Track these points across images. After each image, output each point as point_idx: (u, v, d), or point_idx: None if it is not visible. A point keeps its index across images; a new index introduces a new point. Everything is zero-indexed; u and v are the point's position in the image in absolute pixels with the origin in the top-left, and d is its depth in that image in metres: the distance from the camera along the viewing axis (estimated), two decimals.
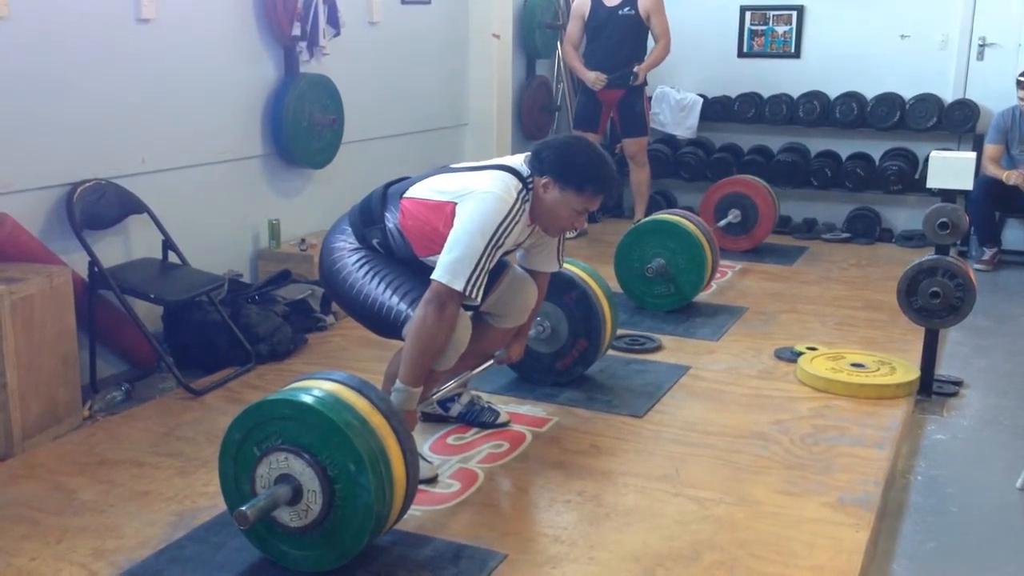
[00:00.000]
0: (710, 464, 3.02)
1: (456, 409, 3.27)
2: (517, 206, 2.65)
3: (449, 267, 2.57)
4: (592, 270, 3.59)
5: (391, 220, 2.79)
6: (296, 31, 4.49)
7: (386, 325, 2.77)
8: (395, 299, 2.73)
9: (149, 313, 3.73)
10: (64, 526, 2.59)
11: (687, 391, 3.64)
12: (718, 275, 5.13)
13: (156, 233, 3.82)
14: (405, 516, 2.63)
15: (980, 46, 6.35)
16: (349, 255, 2.82)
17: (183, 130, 4.06)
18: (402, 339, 2.70)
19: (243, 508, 2.22)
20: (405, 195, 2.78)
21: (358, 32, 5.04)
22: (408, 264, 2.79)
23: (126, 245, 3.83)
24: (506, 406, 3.38)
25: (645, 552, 2.49)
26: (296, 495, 2.28)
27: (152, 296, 3.56)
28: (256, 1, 4.39)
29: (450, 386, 3.02)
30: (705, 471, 2.96)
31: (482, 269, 2.59)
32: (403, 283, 2.74)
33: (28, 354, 3.04)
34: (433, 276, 2.59)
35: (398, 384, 2.64)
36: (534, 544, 2.53)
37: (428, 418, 3.27)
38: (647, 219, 4.92)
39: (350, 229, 2.86)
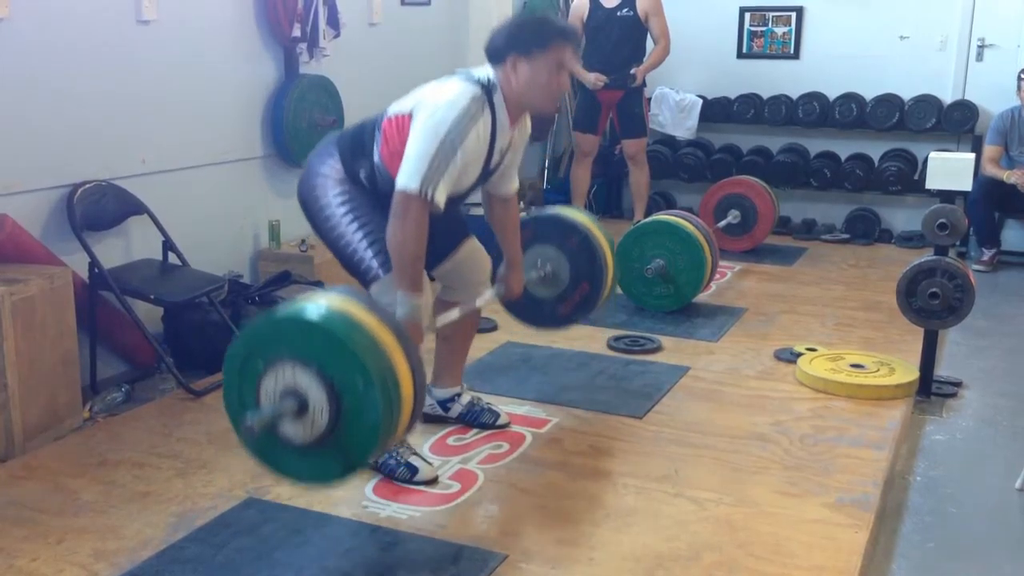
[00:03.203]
0: (710, 465, 3.02)
1: (456, 409, 3.28)
2: (472, 107, 2.63)
3: (404, 172, 2.59)
4: (595, 220, 3.53)
5: (377, 153, 2.77)
6: (296, 32, 4.50)
7: (356, 273, 2.80)
8: (369, 253, 2.73)
9: (149, 314, 3.74)
10: (65, 527, 2.59)
11: (687, 392, 3.64)
12: (717, 276, 5.14)
13: (156, 234, 3.82)
14: (404, 517, 2.64)
15: (979, 47, 6.36)
16: (332, 187, 2.80)
17: (183, 131, 4.07)
18: (369, 292, 2.72)
19: (248, 422, 2.19)
20: (387, 116, 2.78)
21: (358, 33, 5.05)
22: (386, 207, 2.76)
23: (126, 246, 3.84)
24: (506, 407, 3.38)
25: (645, 553, 2.49)
26: (302, 409, 2.22)
27: (152, 297, 3.57)
28: (256, 2, 4.40)
29: (452, 316, 2.98)
30: (705, 472, 2.97)
31: (438, 170, 2.57)
32: (380, 236, 2.71)
33: (28, 355, 3.05)
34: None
35: (398, 294, 2.63)
36: (534, 545, 2.53)
37: (428, 419, 3.27)
38: (647, 220, 4.92)
39: (338, 155, 2.83)
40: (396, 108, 2.76)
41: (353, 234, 2.76)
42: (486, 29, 6.36)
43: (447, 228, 3.00)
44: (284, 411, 2.22)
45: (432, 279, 2.92)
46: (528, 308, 3.42)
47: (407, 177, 2.58)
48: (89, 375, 3.56)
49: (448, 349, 3.21)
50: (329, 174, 2.83)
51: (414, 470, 2.82)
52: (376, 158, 2.77)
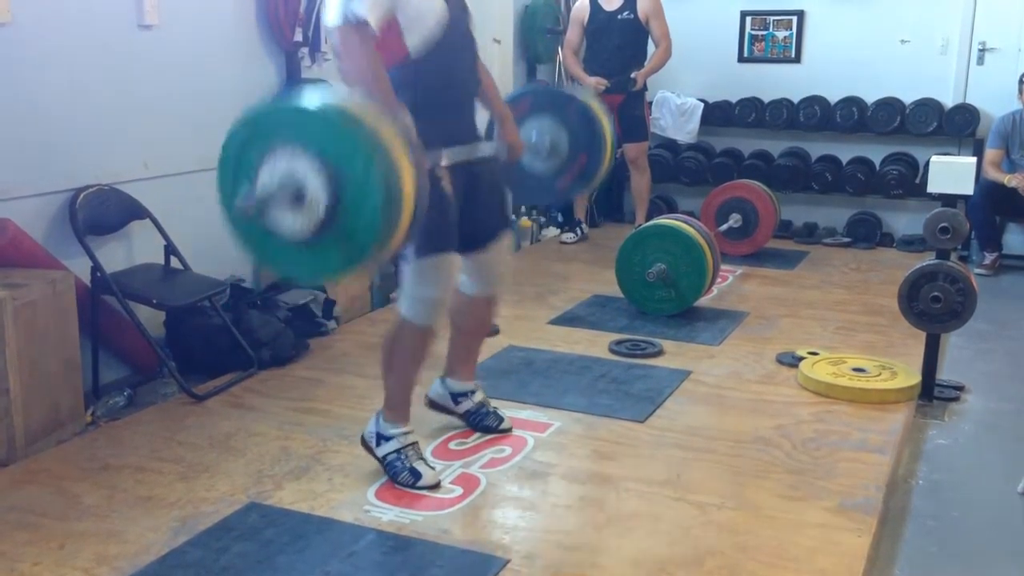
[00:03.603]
0: (712, 469, 3.02)
1: (465, 405, 3.26)
2: None
3: (326, 13, 2.58)
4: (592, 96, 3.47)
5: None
6: (298, 36, 4.50)
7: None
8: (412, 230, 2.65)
9: (151, 318, 3.73)
10: (67, 531, 2.59)
11: (688, 396, 3.64)
12: (719, 279, 5.13)
13: (158, 238, 3.82)
14: (406, 522, 2.64)
15: (980, 51, 6.36)
16: None
17: (185, 135, 4.07)
18: (390, 300, 2.71)
19: (241, 201, 2.16)
20: None
21: None
22: (435, 186, 2.69)
23: (128, 250, 3.84)
24: (507, 411, 3.37)
25: (647, 557, 2.49)
26: (299, 196, 2.17)
27: (154, 301, 3.57)
28: (258, 7, 4.40)
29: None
30: (707, 476, 2.97)
31: None
32: (424, 216, 2.58)
33: (31, 359, 3.05)
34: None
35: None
36: (536, 550, 2.53)
37: (436, 407, 3.26)
38: (648, 224, 4.93)
39: None
40: None
41: None
42: (487, 33, 6.37)
43: (494, 210, 2.98)
44: (281, 195, 2.16)
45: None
46: (526, 185, 3.35)
47: (329, 16, 2.56)
48: (91, 379, 3.56)
49: (462, 342, 3.19)
50: None
51: (417, 475, 2.82)
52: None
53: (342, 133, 2.16)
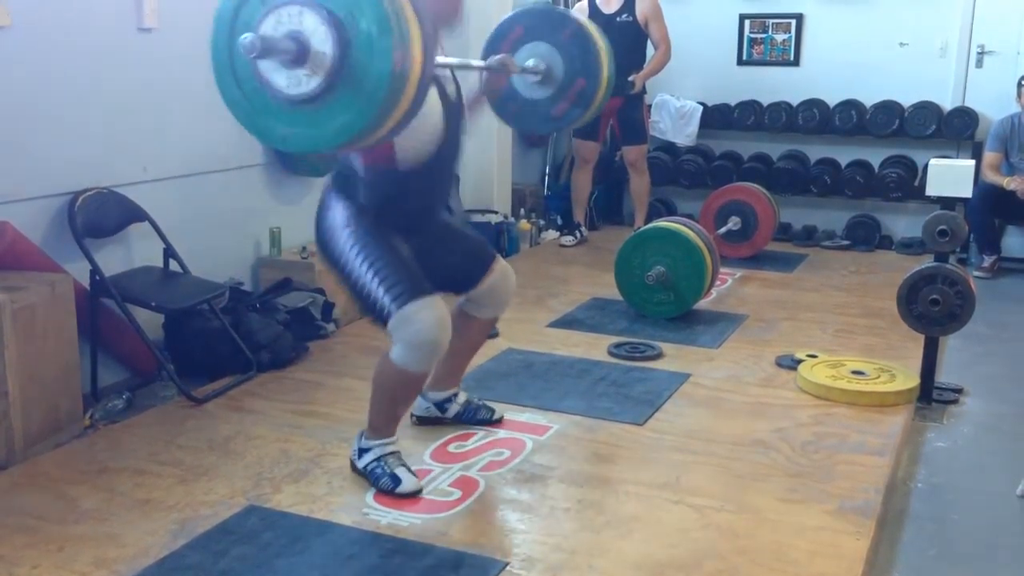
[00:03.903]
0: (711, 472, 3.02)
1: (453, 410, 3.29)
2: None
3: None
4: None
5: (358, 165, 2.75)
6: None
7: (372, 312, 2.75)
8: (381, 291, 2.69)
9: (150, 321, 3.73)
10: (65, 535, 2.58)
11: (687, 399, 3.64)
12: (718, 282, 5.14)
13: (157, 241, 3.82)
14: (405, 525, 2.63)
15: (979, 54, 6.37)
16: (343, 233, 2.77)
17: (184, 139, 4.07)
18: (387, 332, 2.71)
19: (247, 35, 2.03)
20: None
21: None
22: (402, 231, 2.78)
23: (127, 253, 3.84)
24: (506, 414, 3.38)
25: (646, 560, 2.49)
26: (301, 54, 2.07)
27: (153, 304, 3.57)
28: None
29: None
30: (706, 479, 2.97)
31: None
32: (391, 273, 2.70)
33: (29, 363, 3.05)
34: None
35: None
36: (535, 552, 2.53)
37: (424, 422, 3.28)
38: (647, 226, 4.93)
39: (336, 199, 2.81)
40: None
41: (365, 274, 2.72)
42: (486, 28, 6.38)
43: (472, 256, 3.04)
44: (285, 47, 2.06)
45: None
46: (523, 113, 3.26)
47: None
48: (90, 382, 3.56)
49: (453, 358, 3.18)
50: (335, 222, 2.79)
51: (397, 481, 2.81)
52: (362, 171, 2.75)
53: None
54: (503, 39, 3.10)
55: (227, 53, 2.20)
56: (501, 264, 3.10)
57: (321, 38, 2.06)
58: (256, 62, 2.12)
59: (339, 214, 2.79)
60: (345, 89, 2.09)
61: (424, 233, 2.91)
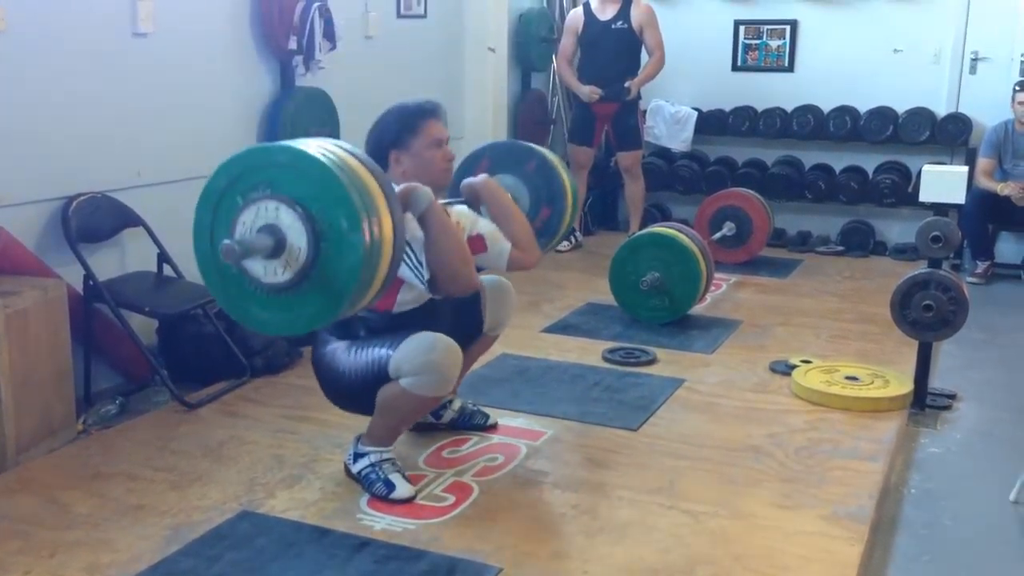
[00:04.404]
0: (705, 477, 3.02)
1: (448, 416, 3.29)
2: None
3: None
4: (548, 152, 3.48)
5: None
6: (292, 45, 4.50)
7: (378, 377, 2.72)
8: (375, 350, 2.72)
9: (144, 326, 3.73)
10: (58, 540, 2.58)
11: (682, 404, 3.64)
12: (713, 288, 5.14)
13: (151, 246, 3.82)
14: (398, 530, 2.63)
15: (973, 60, 6.39)
16: (344, 355, 2.79)
17: (179, 143, 4.07)
18: (394, 380, 2.70)
19: (228, 243, 2.15)
20: None
21: (354, 46, 5.06)
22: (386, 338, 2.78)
23: (121, 258, 3.84)
24: (500, 419, 3.38)
25: (639, 565, 2.49)
26: (278, 248, 2.17)
27: (147, 309, 3.56)
28: (253, 15, 4.41)
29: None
30: (700, 484, 2.97)
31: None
32: (383, 339, 2.73)
33: (22, 367, 3.04)
34: None
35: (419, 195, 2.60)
36: (529, 558, 2.53)
37: (420, 428, 3.27)
38: (642, 232, 4.94)
39: (333, 336, 2.84)
40: None
41: (358, 355, 2.74)
42: (482, 42, 6.39)
43: (461, 318, 3.04)
44: (261, 243, 2.16)
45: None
46: None
47: None
48: (83, 387, 3.55)
49: None
50: (336, 348, 2.81)
51: (391, 487, 2.80)
52: (362, 312, 2.73)
53: (332, 186, 2.17)
54: (470, 172, 3.15)
55: (208, 245, 2.30)
56: (491, 292, 3.10)
57: (296, 233, 2.18)
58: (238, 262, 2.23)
59: (340, 347, 2.81)
60: (317, 281, 2.21)
61: None
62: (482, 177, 3.03)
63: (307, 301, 2.24)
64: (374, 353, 2.72)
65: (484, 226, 2.96)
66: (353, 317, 2.75)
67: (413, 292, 2.78)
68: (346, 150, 2.33)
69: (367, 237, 2.18)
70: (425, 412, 2.89)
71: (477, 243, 2.89)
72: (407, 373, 2.67)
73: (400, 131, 2.80)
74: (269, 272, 2.21)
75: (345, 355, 2.79)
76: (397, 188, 2.46)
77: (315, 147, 2.27)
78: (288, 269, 2.20)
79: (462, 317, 3.04)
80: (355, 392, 2.80)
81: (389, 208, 2.28)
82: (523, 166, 3.34)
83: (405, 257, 2.58)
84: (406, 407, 2.77)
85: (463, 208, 2.98)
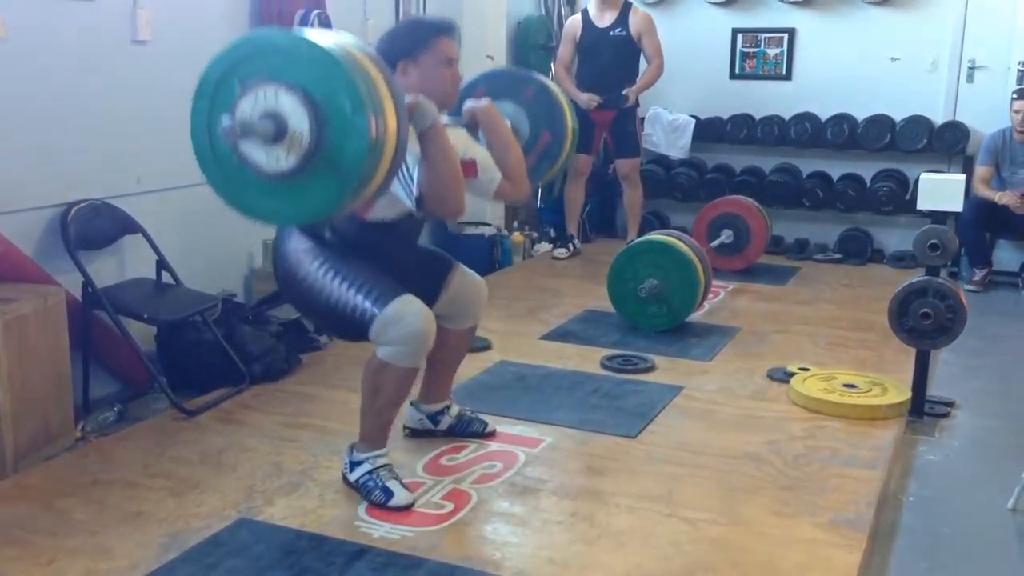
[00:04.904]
0: (703, 484, 3.02)
1: (446, 422, 3.29)
2: None
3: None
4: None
5: None
6: None
7: (352, 324, 2.75)
8: (359, 297, 2.70)
9: (142, 333, 3.73)
10: (56, 547, 2.57)
11: (680, 411, 3.64)
12: (711, 295, 5.15)
13: (150, 253, 3.82)
14: (396, 538, 2.63)
15: (970, 68, 6.41)
16: (310, 262, 2.78)
17: (178, 150, 4.01)
18: (369, 340, 2.72)
19: (227, 123, 2.11)
20: None
21: None
22: (366, 258, 2.78)
23: (120, 265, 3.84)
24: (499, 426, 3.38)
25: (638, 573, 2.49)
26: (279, 133, 2.12)
27: (146, 316, 3.57)
28: (251, 22, 4.41)
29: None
30: (698, 491, 2.97)
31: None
32: (366, 282, 2.72)
33: (21, 374, 3.04)
34: None
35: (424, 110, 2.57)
36: (527, 565, 2.52)
37: (417, 434, 3.28)
38: (640, 239, 4.94)
39: (297, 231, 2.82)
40: None
41: (340, 287, 2.73)
42: (481, 49, 6.38)
43: (427, 267, 3.05)
44: (263, 127, 2.11)
45: None
46: None
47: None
48: (82, 394, 3.54)
49: (439, 369, 3.22)
50: (299, 248, 2.80)
51: (389, 494, 2.80)
52: None
53: (334, 70, 2.11)
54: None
55: (207, 135, 2.27)
56: (460, 273, 3.10)
57: (298, 118, 2.12)
58: (237, 144, 2.18)
59: (303, 243, 2.79)
60: (323, 166, 2.15)
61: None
62: (484, 101, 2.99)
63: (313, 188, 2.17)
64: (356, 300, 2.70)
65: (478, 152, 2.92)
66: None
67: (391, 207, 2.74)
68: (352, 43, 2.27)
69: (372, 124, 2.11)
70: (405, 387, 2.84)
71: (469, 168, 2.84)
72: (390, 341, 2.69)
73: (413, 42, 2.76)
74: (272, 159, 2.16)
75: (323, 277, 2.74)
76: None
77: (316, 34, 2.22)
78: (291, 154, 2.14)
79: (424, 268, 3.02)
80: (321, 314, 2.81)
81: (395, 103, 2.21)
82: (521, 92, 3.30)
83: (399, 175, 2.56)
84: (389, 383, 2.77)
85: (461, 131, 2.93)
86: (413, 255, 3.02)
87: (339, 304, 2.74)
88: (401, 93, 2.32)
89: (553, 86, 3.34)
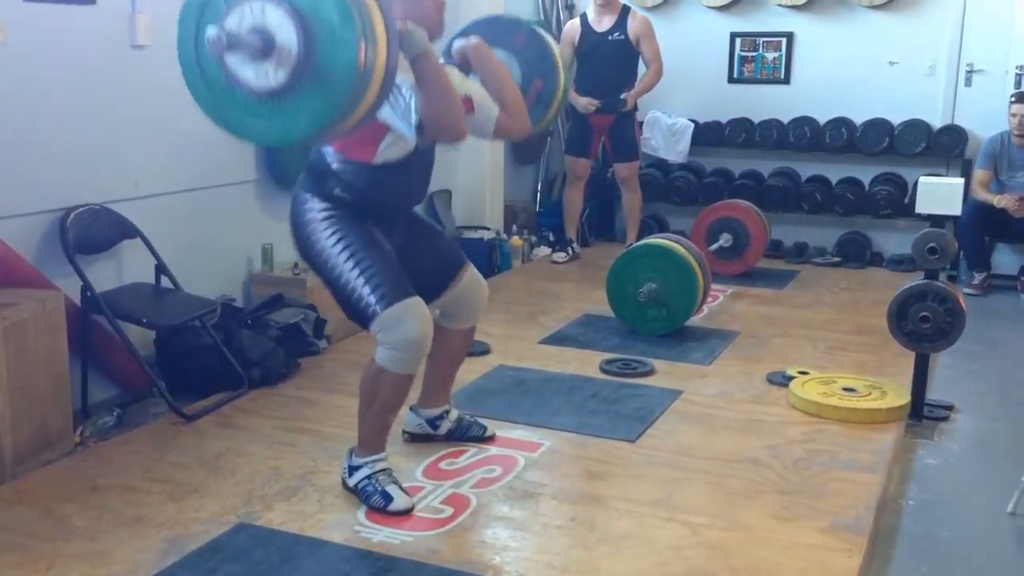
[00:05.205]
0: (702, 489, 3.02)
1: (445, 427, 3.29)
2: None
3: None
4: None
5: (331, 157, 2.76)
6: None
7: (356, 311, 2.77)
8: (367, 290, 2.71)
9: (141, 338, 3.73)
10: (55, 552, 2.57)
11: (679, 415, 3.64)
12: (710, 299, 5.15)
13: (149, 258, 3.82)
14: (396, 543, 2.63)
15: (968, 72, 6.41)
16: (323, 229, 2.77)
17: (176, 155, 4.07)
18: (368, 331, 2.74)
19: (213, 33, 2.09)
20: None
21: None
22: (380, 219, 2.79)
23: (119, 270, 3.84)
24: (498, 430, 3.38)
25: None
26: (267, 48, 2.10)
27: (145, 321, 3.56)
28: None
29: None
30: (698, 496, 2.97)
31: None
32: (376, 273, 2.72)
33: (20, 379, 3.04)
34: None
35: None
36: (527, 570, 2.52)
37: (416, 439, 3.28)
38: (639, 243, 4.95)
39: (309, 195, 2.81)
40: None
41: (350, 272, 2.73)
42: None
43: (444, 259, 3.06)
44: (250, 42, 2.09)
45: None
46: None
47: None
48: (80, 399, 3.54)
49: (438, 372, 3.22)
50: (313, 217, 2.80)
51: (389, 499, 2.80)
52: (335, 163, 2.76)
53: None
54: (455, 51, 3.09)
55: (193, 53, 2.25)
56: (471, 272, 3.11)
57: (286, 32, 2.10)
58: (224, 58, 2.16)
59: (316, 208, 2.79)
60: (312, 81, 2.13)
61: (399, 227, 2.93)
62: (475, 39, 2.96)
63: (303, 104, 2.16)
64: (363, 291, 2.71)
65: (473, 88, 2.89)
66: (327, 172, 2.76)
67: (395, 146, 2.73)
68: None
69: (360, 36, 2.09)
70: (402, 394, 2.85)
71: (465, 105, 2.81)
72: (386, 343, 2.72)
73: None
74: (260, 76, 2.14)
75: (333, 248, 2.74)
76: None
77: None
78: (280, 70, 2.12)
79: (440, 256, 3.04)
80: (333, 292, 2.80)
81: (384, 23, 2.19)
82: (510, 39, 3.24)
83: (393, 100, 2.55)
84: (385, 389, 2.79)
85: (453, 70, 2.90)
86: (430, 235, 3.04)
87: (347, 288, 2.75)
88: (391, 11, 2.27)
89: (542, 31, 3.29)
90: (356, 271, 2.73)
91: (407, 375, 2.79)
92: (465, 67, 2.96)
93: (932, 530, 2.95)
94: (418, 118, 2.60)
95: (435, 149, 2.92)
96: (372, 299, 2.71)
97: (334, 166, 2.77)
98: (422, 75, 2.57)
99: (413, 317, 2.71)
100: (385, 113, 2.57)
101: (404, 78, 2.55)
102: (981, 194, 5.91)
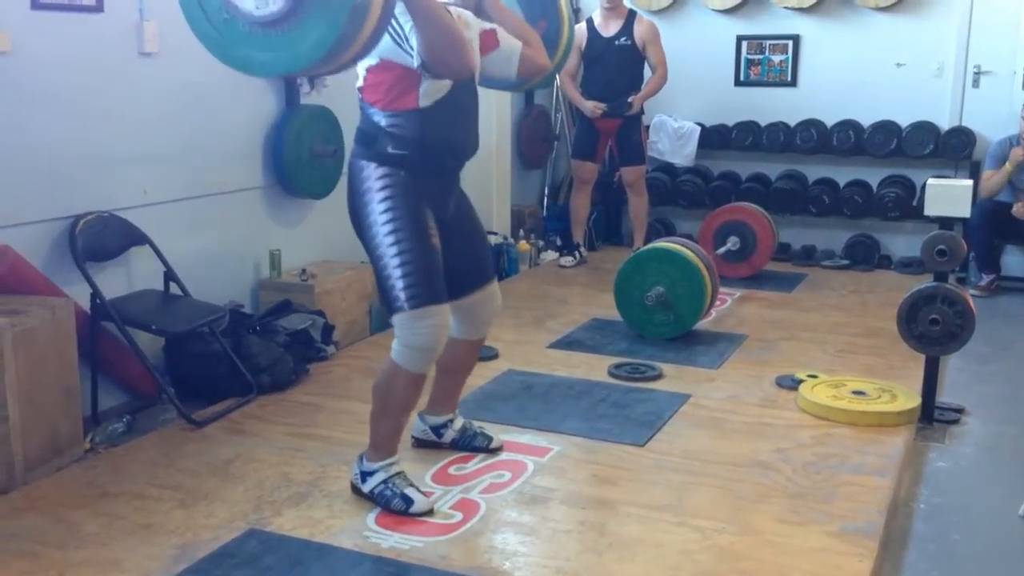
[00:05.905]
0: (712, 493, 3.01)
1: (449, 435, 3.28)
2: None
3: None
4: None
5: (379, 116, 2.76)
6: None
7: (384, 295, 2.80)
8: (400, 283, 2.72)
9: (150, 344, 3.74)
10: (66, 559, 2.58)
11: (688, 419, 3.63)
12: (718, 303, 5.14)
13: (158, 264, 3.83)
14: (406, 548, 2.63)
15: (975, 74, 6.39)
16: (378, 201, 2.76)
17: (185, 162, 4.09)
18: (390, 318, 2.78)
19: None
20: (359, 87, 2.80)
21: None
22: (425, 235, 2.77)
23: (128, 277, 3.85)
24: (507, 436, 3.38)
25: None
26: None
27: (154, 327, 3.57)
28: None
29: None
30: (707, 500, 2.96)
31: None
32: (415, 269, 2.72)
33: (30, 386, 3.05)
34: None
35: None
36: (536, 575, 2.52)
37: (421, 444, 3.28)
38: (646, 247, 4.94)
39: (364, 161, 2.80)
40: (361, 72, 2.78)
41: (392, 258, 2.74)
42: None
43: (477, 264, 3.07)
44: None
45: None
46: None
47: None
48: (90, 406, 3.55)
49: (449, 381, 3.23)
50: (370, 186, 2.79)
51: (409, 501, 2.81)
52: (384, 121, 2.75)
53: None
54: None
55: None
56: (494, 287, 3.13)
57: None
58: None
59: (373, 176, 2.79)
60: (312, 6, 2.13)
61: (453, 202, 2.94)
62: None
63: (304, 31, 2.16)
64: (396, 281, 2.72)
65: (494, 25, 2.91)
66: (379, 131, 2.75)
67: (434, 85, 2.72)
68: None
69: None
70: (416, 392, 2.86)
71: (489, 37, 2.83)
72: (402, 338, 2.76)
73: None
74: (260, 4, 2.15)
75: (381, 225, 2.74)
76: None
77: None
78: None
79: (476, 254, 3.07)
80: (373, 265, 2.82)
81: None
82: None
83: (394, 34, 2.56)
84: (399, 388, 2.80)
85: (466, 12, 2.90)
86: (475, 233, 3.07)
87: (384, 271, 2.76)
88: None
89: None
90: (397, 259, 2.74)
91: (419, 374, 2.81)
92: (476, 12, 2.95)
93: (943, 534, 2.94)
94: (420, 58, 2.60)
95: (475, 85, 2.90)
96: (403, 294, 2.73)
97: (383, 123, 2.76)
98: (415, 12, 2.55)
99: (432, 326, 2.73)
100: (389, 49, 2.59)
101: (406, 18, 2.57)
102: (995, 179, 5.85)
